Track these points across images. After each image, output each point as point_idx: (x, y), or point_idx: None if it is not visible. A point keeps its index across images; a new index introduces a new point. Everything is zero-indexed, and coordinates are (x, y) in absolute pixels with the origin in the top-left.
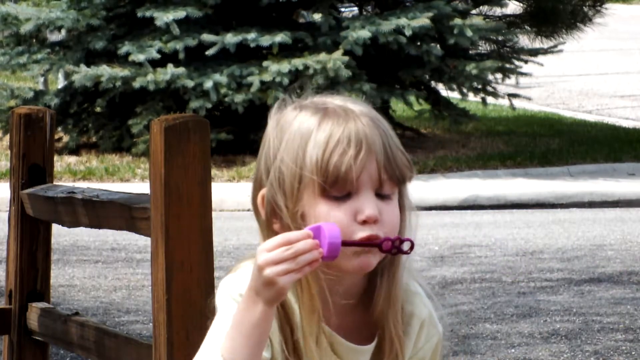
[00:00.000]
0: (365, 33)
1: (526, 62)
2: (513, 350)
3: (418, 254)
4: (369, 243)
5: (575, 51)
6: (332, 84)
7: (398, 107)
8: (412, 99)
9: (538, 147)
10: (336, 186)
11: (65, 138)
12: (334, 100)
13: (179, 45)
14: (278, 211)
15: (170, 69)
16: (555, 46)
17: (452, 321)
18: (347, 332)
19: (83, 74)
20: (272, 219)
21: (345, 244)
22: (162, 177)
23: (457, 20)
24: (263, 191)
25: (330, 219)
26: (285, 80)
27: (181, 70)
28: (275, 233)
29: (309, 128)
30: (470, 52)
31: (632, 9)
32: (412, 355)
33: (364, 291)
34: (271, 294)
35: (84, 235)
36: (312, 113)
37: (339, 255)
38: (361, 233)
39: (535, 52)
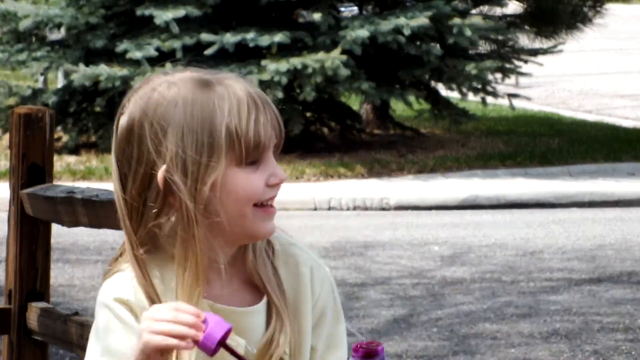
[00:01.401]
0: (364, 32)
1: (526, 62)
2: (513, 350)
3: (418, 254)
4: (241, 357)
5: (575, 51)
6: (331, 83)
7: (398, 106)
8: (411, 98)
9: (538, 147)
10: (253, 153)
11: (65, 137)
12: (196, 72)
13: (177, 44)
14: (177, 189)
15: (169, 68)
16: (555, 46)
17: (452, 321)
18: (235, 299)
19: (82, 73)
20: (169, 198)
21: (223, 344)
22: None
23: (457, 20)
24: (162, 170)
25: (251, 185)
26: (284, 80)
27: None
28: (170, 208)
29: (204, 101)
30: (469, 52)
31: (632, 9)
32: (314, 305)
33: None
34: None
35: (83, 235)
36: (196, 85)
37: (251, 220)
38: (269, 194)
39: (535, 52)
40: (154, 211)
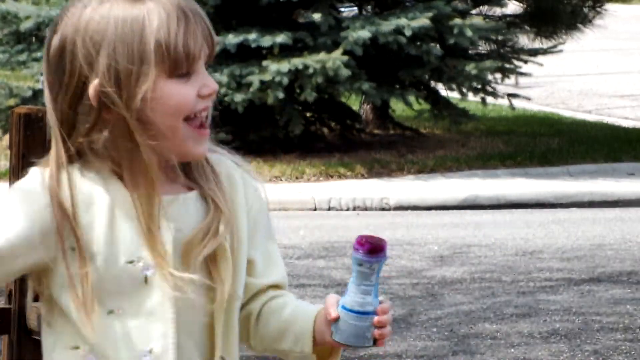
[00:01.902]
0: (365, 33)
1: (526, 62)
2: (513, 350)
3: (418, 254)
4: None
5: (575, 51)
6: (332, 84)
7: (398, 107)
8: (411, 98)
9: (538, 147)
10: (185, 64)
11: None
12: None
13: None
14: (112, 101)
15: None
16: (555, 46)
17: (451, 321)
18: (169, 190)
19: None
20: (102, 112)
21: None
22: None
23: (457, 20)
24: (95, 84)
25: (182, 96)
26: (285, 80)
27: None
28: (104, 123)
29: (135, 15)
30: (470, 52)
31: (632, 9)
32: (248, 211)
33: None
34: None
35: None
36: (124, 2)
37: (182, 139)
38: (201, 105)
39: (535, 52)
40: (86, 126)
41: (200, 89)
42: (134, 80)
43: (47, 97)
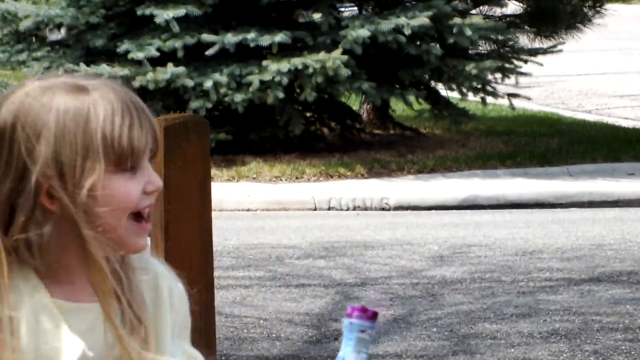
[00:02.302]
0: (364, 32)
1: (526, 62)
2: (513, 350)
3: (418, 254)
4: None
5: (575, 51)
6: (332, 83)
7: (398, 106)
8: (411, 98)
9: (537, 146)
10: (130, 159)
11: None
12: (71, 78)
13: (178, 44)
14: (56, 194)
15: (170, 68)
16: (555, 46)
17: (451, 321)
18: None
19: (83, 73)
20: (44, 204)
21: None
22: (161, 177)
23: (457, 20)
24: (37, 172)
25: (128, 191)
26: (285, 80)
27: (181, 69)
28: (47, 216)
29: (79, 106)
30: (469, 51)
31: (632, 9)
32: (174, 320)
33: None
34: None
35: None
36: (70, 90)
37: (124, 232)
38: (145, 202)
39: (534, 52)
40: (22, 220)
41: (146, 185)
42: (79, 173)
43: None
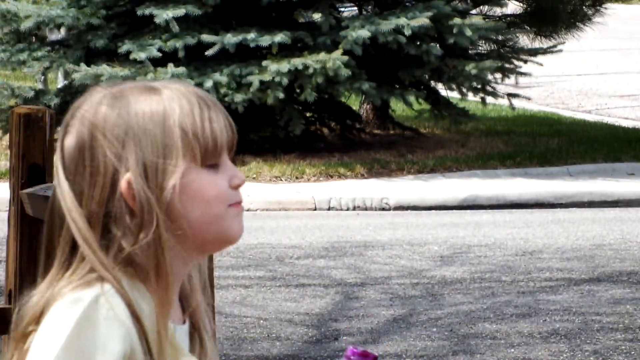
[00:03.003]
0: (364, 33)
1: (526, 62)
2: (512, 350)
3: (418, 254)
4: None
5: (575, 51)
6: (332, 84)
7: (398, 107)
8: (411, 98)
9: (537, 146)
10: (212, 153)
11: None
12: (130, 83)
13: (178, 44)
14: (140, 195)
15: (171, 68)
16: (555, 46)
17: (451, 321)
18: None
19: (83, 72)
20: (132, 206)
21: None
22: None
23: (457, 20)
24: (127, 176)
25: (216, 186)
26: (285, 80)
27: (181, 69)
28: (135, 219)
29: (155, 106)
30: (469, 51)
31: (632, 9)
32: None
33: None
34: None
35: None
36: (142, 91)
37: (227, 220)
38: (234, 198)
39: (534, 52)
40: (126, 226)
41: (231, 179)
42: (161, 174)
43: (68, 203)
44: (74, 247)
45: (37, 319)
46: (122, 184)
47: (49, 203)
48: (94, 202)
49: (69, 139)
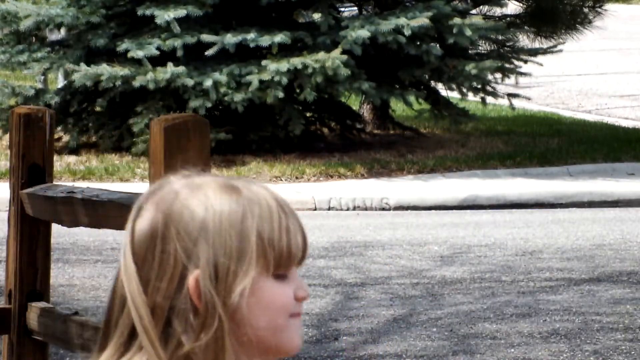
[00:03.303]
0: (364, 33)
1: (526, 62)
2: (512, 350)
3: (418, 254)
4: None
5: (575, 51)
6: (331, 83)
7: (398, 106)
8: (411, 98)
9: (537, 146)
10: (284, 263)
11: (66, 137)
12: (219, 177)
13: (177, 43)
14: (206, 295)
15: (171, 68)
16: (555, 46)
17: (451, 321)
18: None
19: (83, 72)
20: (196, 304)
21: None
22: (162, 177)
23: (457, 20)
24: (196, 274)
25: (284, 296)
26: (285, 80)
27: (181, 69)
28: (198, 317)
29: (234, 206)
30: (469, 51)
31: (632, 9)
32: None
33: None
34: None
35: (83, 235)
36: (222, 189)
37: (287, 332)
38: (296, 309)
39: (534, 52)
40: (180, 327)
41: (297, 291)
42: (232, 276)
43: (133, 289)
44: (132, 333)
45: None
46: (190, 281)
47: (114, 280)
48: (159, 294)
49: (141, 223)
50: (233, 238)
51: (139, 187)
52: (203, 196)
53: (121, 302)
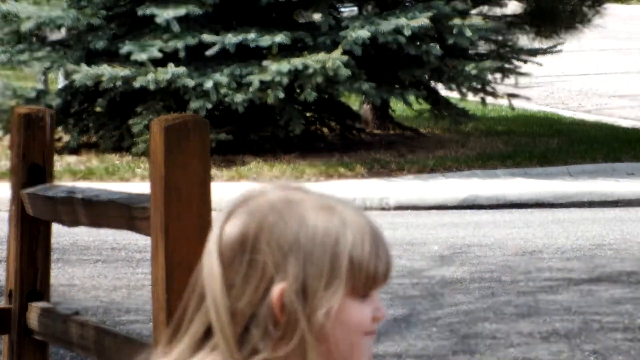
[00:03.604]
0: (364, 33)
1: (525, 62)
2: (512, 350)
3: (418, 254)
4: None
5: (575, 51)
6: (332, 83)
7: (397, 107)
8: (411, 98)
9: (537, 147)
10: (370, 286)
11: (66, 138)
12: (312, 192)
13: (179, 44)
14: (292, 311)
15: (171, 69)
16: (555, 46)
17: (451, 321)
18: None
19: (84, 73)
20: (278, 318)
21: None
22: (162, 177)
23: (457, 20)
24: (282, 287)
25: (364, 316)
26: (285, 80)
27: (182, 69)
28: (278, 330)
29: (329, 226)
30: (469, 52)
31: (631, 9)
32: None
33: None
34: None
35: (83, 234)
36: (317, 207)
37: (361, 351)
38: (371, 328)
39: (534, 52)
40: (258, 334)
41: (375, 312)
42: (320, 297)
43: (216, 291)
44: (208, 331)
45: None
46: (275, 292)
47: (194, 275)
48: (243, 300)
49: (232, 227)
50: (325, 259)
51: (139, 187)
52: (299, 212)
53: (199, 300)
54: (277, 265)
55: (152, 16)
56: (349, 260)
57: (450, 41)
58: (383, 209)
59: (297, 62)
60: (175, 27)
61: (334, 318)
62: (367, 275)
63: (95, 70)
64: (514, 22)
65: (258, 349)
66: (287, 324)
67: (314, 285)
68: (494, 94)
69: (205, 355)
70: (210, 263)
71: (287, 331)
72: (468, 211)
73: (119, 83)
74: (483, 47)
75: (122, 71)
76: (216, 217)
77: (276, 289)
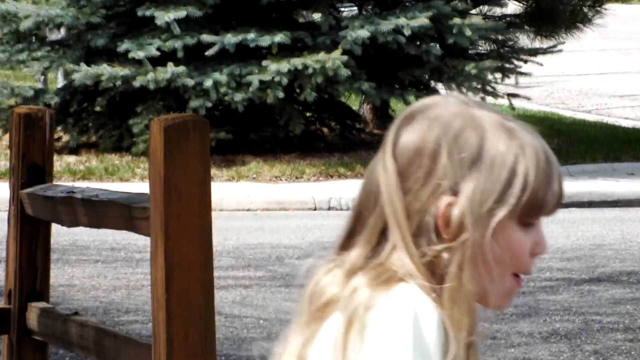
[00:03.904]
0: (364, 33)
1: (525, 61)
2: (512, 350)
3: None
4: None
5: (575, 51)
6: (332, 83)
7: (397, 107)
8: (411, 98)
9: None
10: (536, 213)
11: (65, 137)
12: (493, 111)
13: (178, 44)
14: (464, 225)
15: (171, 68)
16: (555, 46)
17: None
18: None
19: (83, 72)
20: (443, 231)
21: None
22: (161, 177)
23: (457, 20)
24: (450, 200)
25: (523, 246)
26: (285, 80)
27: (181, 69)
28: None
29: (510, 145)
30: (469, 51)
31: (631, 9)
32: None
33: None
34: None
35: (83, 235)
36: (499, 126)
37: (505, 289)
38: (530, 265)
39: (534, 52)
40: (428, 238)
41: (535, 246)
42: (489, 212)
43: (392, 184)
44: (382, 234)
45: (336, 302)
46: (442, 203)
47: (365, 181)
48: (416, 202)
49: (411, 134)
50: (502, 178)
51: (138, 187)
52: (482, 126)
53: (374, 202)
54: (454, 177)
55: (152, 17)
56: (524, 182)
57: (450, 41)
58: None
59: (296, 62)
60: (176, 29)
61: (498, 239)
62: (536, 201)
63: (94, 69)
64: (513, 22)
65: (425, 253)
66: (452, 235)
67: (486, 201)
68: (494, 94)
69: (388, 255)
70: (385, 163)
71: (451, 242)
72: None
73: (118, 83)
74: (483, 47)
75: (122, 71)
76: (392, 123)
77: (445, 200)
